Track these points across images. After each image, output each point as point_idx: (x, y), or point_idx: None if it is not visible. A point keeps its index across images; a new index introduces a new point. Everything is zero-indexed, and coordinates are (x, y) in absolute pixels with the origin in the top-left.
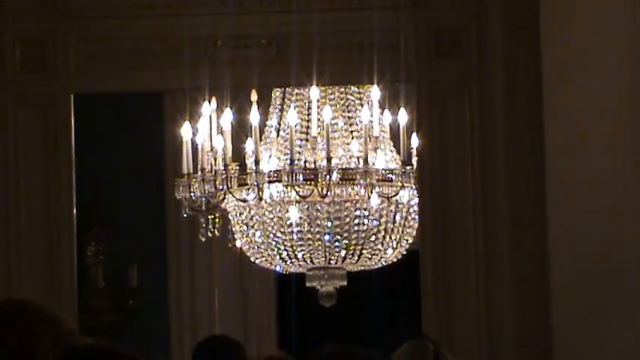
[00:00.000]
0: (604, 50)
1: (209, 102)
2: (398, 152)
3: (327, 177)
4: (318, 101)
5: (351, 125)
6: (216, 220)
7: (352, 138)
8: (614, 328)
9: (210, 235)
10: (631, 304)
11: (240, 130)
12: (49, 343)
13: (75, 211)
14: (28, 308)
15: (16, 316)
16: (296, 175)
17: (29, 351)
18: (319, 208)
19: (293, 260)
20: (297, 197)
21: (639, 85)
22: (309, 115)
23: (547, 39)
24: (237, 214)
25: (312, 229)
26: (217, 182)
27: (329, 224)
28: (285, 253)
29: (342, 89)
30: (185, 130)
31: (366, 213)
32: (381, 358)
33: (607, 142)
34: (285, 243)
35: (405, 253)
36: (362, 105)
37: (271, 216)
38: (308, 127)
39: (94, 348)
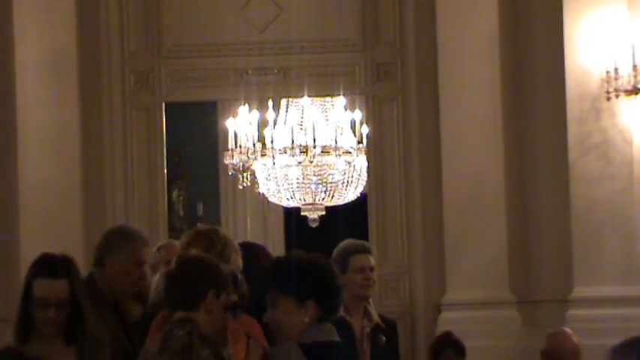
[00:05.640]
0: (476, 74)
1: (244, 106)
2: (354, 136)
3: (314, 150)
4: (307, 106)
5: (327, 120)
6: (249, 176)
7: (328, 127)
8: (479, 240)
9: (245, 184)
10: (490, 225)
11: (262, 123)
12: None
13: (165, 170)
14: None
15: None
16: (295, 149)
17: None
18: (309, 169)
19: (294, 199)
20: (296, 162)
21: (496, 96)
22: (302, 114)
23: (442, 70)
24: (261, 172)
25: (304, 181)
26: (249, 153)
27: (314, 178)
28: (289, 195)
29: (322, 99)
30: (230, 123)
31: (336, 172)
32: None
33: (478, 129)
34: (289, 189)
35: (359, 195)
36: (334, 108)
37: (281, 173)
38: (302, 121)
39: (193, 256)
